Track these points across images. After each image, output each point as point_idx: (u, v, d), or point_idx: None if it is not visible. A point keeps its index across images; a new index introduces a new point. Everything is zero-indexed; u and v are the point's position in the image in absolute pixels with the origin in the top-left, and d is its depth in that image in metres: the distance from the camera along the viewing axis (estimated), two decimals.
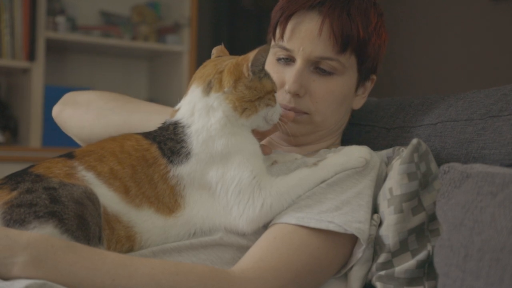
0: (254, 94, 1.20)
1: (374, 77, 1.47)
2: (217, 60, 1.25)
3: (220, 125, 1.19)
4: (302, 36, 1.35)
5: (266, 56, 1.21)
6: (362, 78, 1.43)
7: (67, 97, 1.52)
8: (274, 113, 1.24)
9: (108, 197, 1.13)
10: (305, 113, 1.37)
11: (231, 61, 1.21)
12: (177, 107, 1.24)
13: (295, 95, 1.35)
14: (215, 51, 1.32)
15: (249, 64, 1.18)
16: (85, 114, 1.45)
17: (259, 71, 1.21)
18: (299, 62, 1.36)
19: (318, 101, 1.37)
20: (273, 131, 1.30)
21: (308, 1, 1.36)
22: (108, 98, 1.46)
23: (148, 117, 1.37)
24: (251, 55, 1.18)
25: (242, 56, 1.21)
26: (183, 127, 1.20)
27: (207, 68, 1.23)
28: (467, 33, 3.38)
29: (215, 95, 1.19)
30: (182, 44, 3.67)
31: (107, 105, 1.44)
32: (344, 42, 1.34)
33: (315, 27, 1.35)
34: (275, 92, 1.25)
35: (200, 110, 1.20)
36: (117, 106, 1.43)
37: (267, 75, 1.23)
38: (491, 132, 1.30)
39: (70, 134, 1.51)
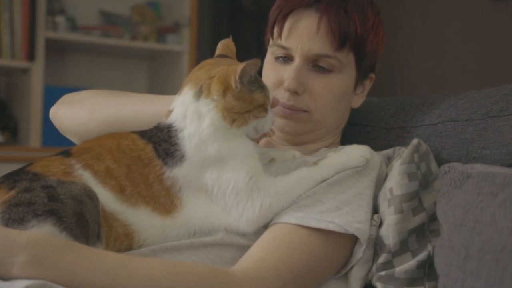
0: (242, 106, 1.18)
1: (373, 75, 1.47)
2: (212, 63, 1.24)
3: (210, 131, 1.18)
4: (300, 34, 1.35)
5: (256, 69, 1.19)
6: (361, 76, 1.43)
7: (64, 98, 1.52)
8: (266, 124, 1.23)
9: (104, 196, 1.13)
10: (305, 111, 1.37)
11: (223, 68, 1.19)
12: (171, 107, 1.24)
13: (294, 92, 1.35)
14: (220, 45, 1.31)
15: (236, 77, 1.16)
16: (80, 111, 1.45)
17: (250, 84, 1.18)
18: (297, 60, 1.36)
19: (317, 99, 1.37)
20: (266, 134, 1.29)
21: None
22: (103, 93, 1.47)
23: (140, 106, 1.37)
24: (239, 67, 1.16)
25: (232, 67, 1.18)
26: (176, 130, 1.19)
27: (201, 71, 1.22)
28: (467, 33, 3.38)
29: (205, 101, 1.18)
30: (182, 44, 3.66)
31: (100, 100, 1.44)
32: (342, 39, 1.34)
33: (312, 24, 1.35)
34: (268, 104, 1.22)
35: (191, 114, 1.19)
36: (110, 99, 1.43)
37: (260, 87, 1.20)
38: (491, 132, 1.30)
39: (68, 135, 1.51)
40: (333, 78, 1.37)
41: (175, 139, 1.18)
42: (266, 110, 1.22)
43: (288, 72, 1.36)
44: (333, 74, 1.37)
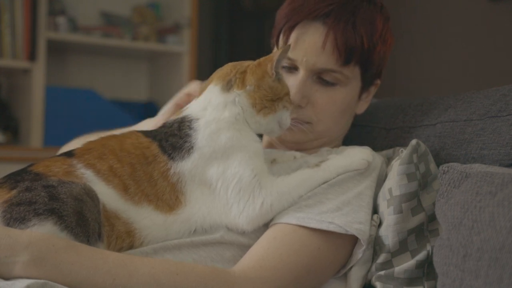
0: (275, 94, 1.22)
1: (379, 81, 1.47)
2: (235, 62, 1.27)
3: (234, 119, 1.20)
4: (306, 47, 1.35)
5: (285, 56, 1.24)
6: (366, 85, 1.43)
7: None
8: (287, 117, 1.26)
9: (107, 195, 1.13)
10: (307, 122, 1.37)
11: (251, 62, 1.24)
12: (184, 108, 1.25)
13: (297, 106, 1.35)
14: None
15: (274, 63, 1.21)
16: None
17: (278, 73, 1.23)
18: (302, 73, 1.35)
19: (321, 111, 1.37)
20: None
21: (313, 12, 1.35)
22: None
23: None
24: (275, 55, 1.21)
25: (264, 57, 1.23)
26: (190, 121, 1.20)
27: (225, 69, 1.25)
28: (466, 33, 3.38)
29: (237, 92, 1.22)
30: (182, 45, 3.67)
31: None
32: (348, 55, 1.33)
33: (319, 39, 1.34)
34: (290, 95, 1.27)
35: (215, 105, 1.21)
36: None
37: (282, 78, 1.26)
38: (490, 133, 1.30)
39: None
40: (337, 91, 1.37)
41: (187, 130, 1.19)
42: (290, 100, 1.26)
43: (292, 83, 1.35)
44: (337, 87, 1.37)
